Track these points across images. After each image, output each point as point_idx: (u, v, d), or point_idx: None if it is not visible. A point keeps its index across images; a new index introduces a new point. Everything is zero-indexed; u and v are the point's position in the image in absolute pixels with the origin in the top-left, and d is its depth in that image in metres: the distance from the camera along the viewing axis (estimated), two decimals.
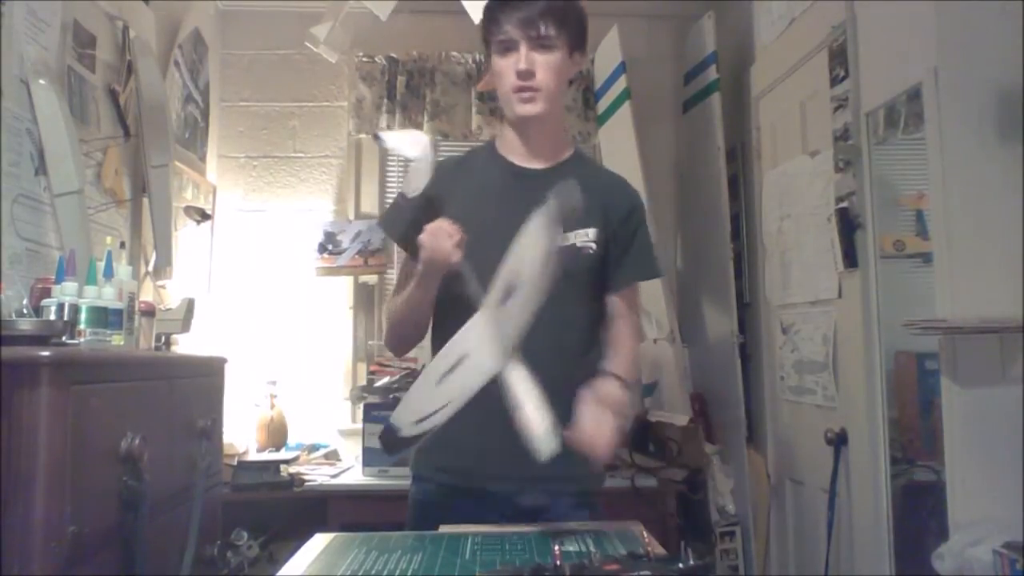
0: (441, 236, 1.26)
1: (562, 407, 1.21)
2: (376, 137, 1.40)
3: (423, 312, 1.41)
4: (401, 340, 1.49)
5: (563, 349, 1.38)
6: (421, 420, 1.12)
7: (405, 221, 1.40)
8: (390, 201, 3.26)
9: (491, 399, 1.25)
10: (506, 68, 1.37)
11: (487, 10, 1.41)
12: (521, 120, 1.41)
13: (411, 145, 1.34)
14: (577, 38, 1.41)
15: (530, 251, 1.12)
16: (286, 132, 3.27)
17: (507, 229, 1.24)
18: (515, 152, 1.45)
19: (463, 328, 1.17)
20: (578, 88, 3.23)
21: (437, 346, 1.42)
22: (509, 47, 1.36)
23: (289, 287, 3.12)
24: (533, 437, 1.10)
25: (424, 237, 1.27)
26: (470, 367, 1.13)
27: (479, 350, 1.13)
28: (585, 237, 1.39)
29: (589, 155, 1.55)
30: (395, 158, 3.30)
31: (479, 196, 1.41)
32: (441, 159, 1.52)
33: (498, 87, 1.42)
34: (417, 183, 1.33)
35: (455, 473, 1.41)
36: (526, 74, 1.35)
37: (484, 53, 1.47)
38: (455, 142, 3.21)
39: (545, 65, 1.36)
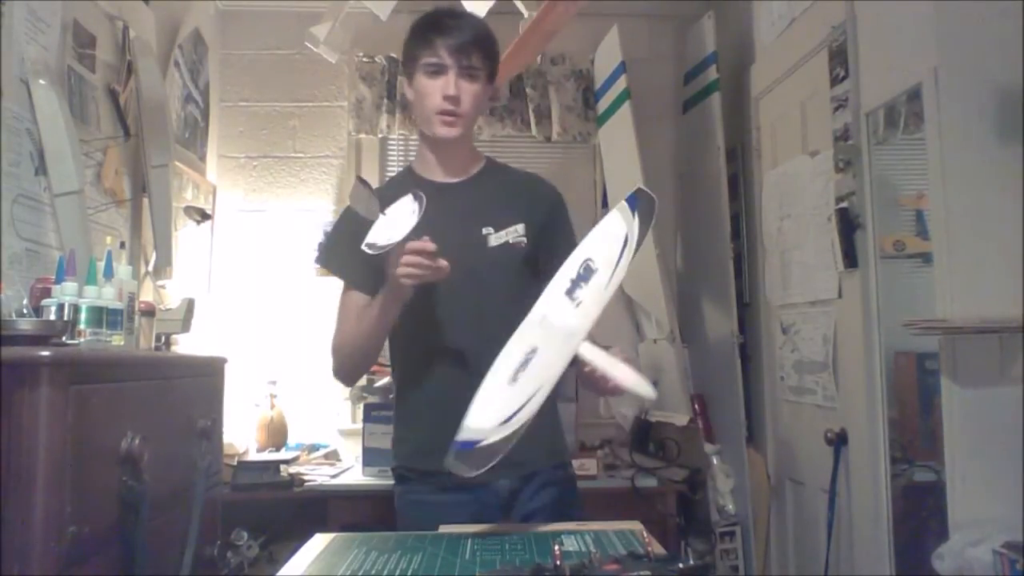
0: (421, 256, 1.28)
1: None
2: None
3: (383, 337, 1.47)
4: (357, 369, 1.57)
5: (510, 334, 1.43)
6: (507, 420, 1.08)
7: (347, 257, 1.46)
8: None
9: (458, 398, 1.33)
10: (432, 90, 1.44)
11: (418, 29, 1.47)
12: (440, 141, 1.49)
13: (401, 226, 1.32)
14: (494, 69, 1.51)
15: (608, 237, 1.18)
16: (286, 132, 3.26)
17: (448, 238, 1.37)
18: (433, 171, 1.54)
19: (520, 328, 1.18)
20: (578, 88, 3.23)
21: (408, 359, 1.51)
22: (438, 71, 1.44)
23: (289, 287, 3.12)
24: (635, 389, 1.14)
25: (404, 267, 1.29)
26: (546, 357, 1.13)
27: (553, 338, 1.14)
28: (515, 233, 1.49)
29: (501, 162, 1.65)
30: (395, 158, 3.31)
31: None
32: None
33: (419, 106, 1.49)
34: (395, 230, 1.32)
35: (437, 467, 1.43)
36: (454, 99, 1.43)
37: (404, 74, 1.53)
38: None
39: (470, 92, 1.45)
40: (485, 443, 1.07)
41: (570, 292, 1.16)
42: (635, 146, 2.76)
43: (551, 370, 1.12)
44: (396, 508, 1.54)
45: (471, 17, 1.52)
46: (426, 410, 1.49)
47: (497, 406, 1.10)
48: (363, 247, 1.25)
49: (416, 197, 1.29)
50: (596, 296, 1.15)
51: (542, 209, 1.52)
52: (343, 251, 1.48)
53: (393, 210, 1.30)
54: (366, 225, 1.37)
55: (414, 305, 1.41)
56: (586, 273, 1.16)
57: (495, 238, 1.48)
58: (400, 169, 1.56)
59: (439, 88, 1.43)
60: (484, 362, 1.38)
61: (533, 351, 1.14)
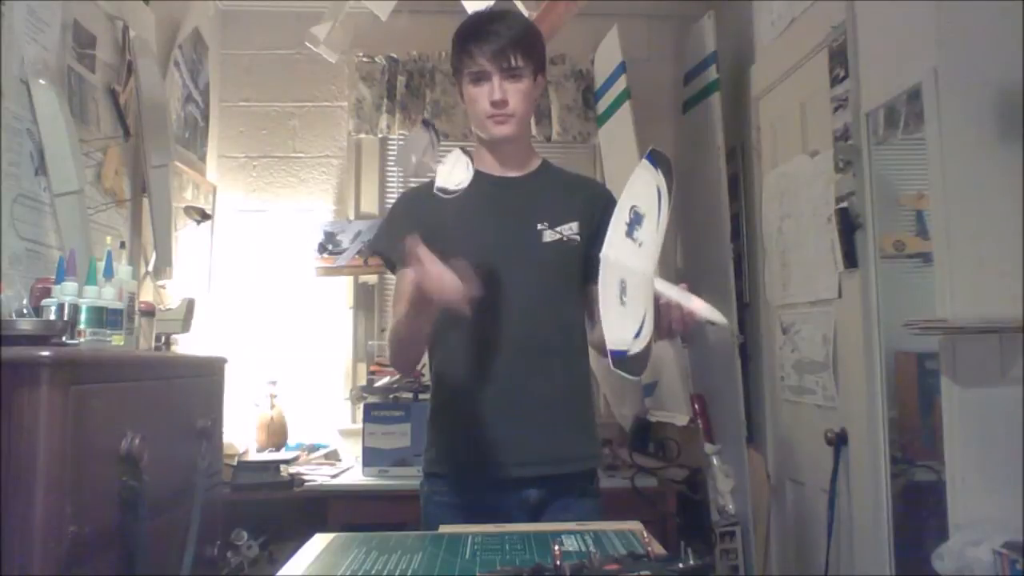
0: (446, 286, 1.23)
1: (554, 387, 1.43)
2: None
3: (423, 334, 1.46)
4: (410, 361, 1.54)
5: (557, 331, 1.49)
6: (637, 334, 1.11)
7: (399, 246, 1.43)
8: (390, 201, 3.26)
9: (500, 394, 1.43)
10: (479, 96, 1.46)
11: (458, 41, 1.49)
12: (495, 141, 1.50)
13: (457, 171, 1.35)
14: (540, 63, 1.52)
15: (645, 187, 1.22)
16: (286, 132, 3.27)
17: (503, 232, 1.47)
18: (491, 166, 1.55)
19: (601, 271, 1.20)
20: (578, 88, 3.23)
21: (447, 352, 1.51)
22: (481, 77, 1.45)
23: (289, 287, 3.12)
24: (709, 316, 1.19)
25: (428, 288, 1.24)
26: (636, 286, 1.16)
27: (633, 273, 1.18)
28: (571, 230, 1.50)
29: (556, 165, 1.68)
30: (395, 158, 3.30)
31: (468, 208, 1.47)
32: (419, 185, 1.62)
33: (471, 112, 1.51)
34: (459, 176, 1.36)
35: (473, 467, 1.46)
36: (500, 103, 1.44)
37: (454, 76, 1.54)
38: (455, 142, 3.20)
39: (516, 92, 1.46)
40: (632, 352, 1.10)
41: (630, 234, 1.20)
42: (635, 146, 2.76)
43: (645, 294, 1.15)
44: (422, 507, 1.52)
45: (509, 17, 1.51)
46: (463, 408, 1.48)
47: (624, 323, 1.13)
48: (435, 190, 1.28)
49: (464, 151, 1.30)
50: (651, 237, 1.18)
51: (597, 210, 1.52)
52: (394, 244, 1.45)
53: (449, 160, 1.33)
54: (418, 207, 1.45)
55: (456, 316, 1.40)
56: (637, 217, 1.20)
57: (549, 234, 1.48)
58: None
59: (485, 94, 1.44)
60: (528, 360, 1.43)
61: (623, 281, 1.17)
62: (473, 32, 1.46)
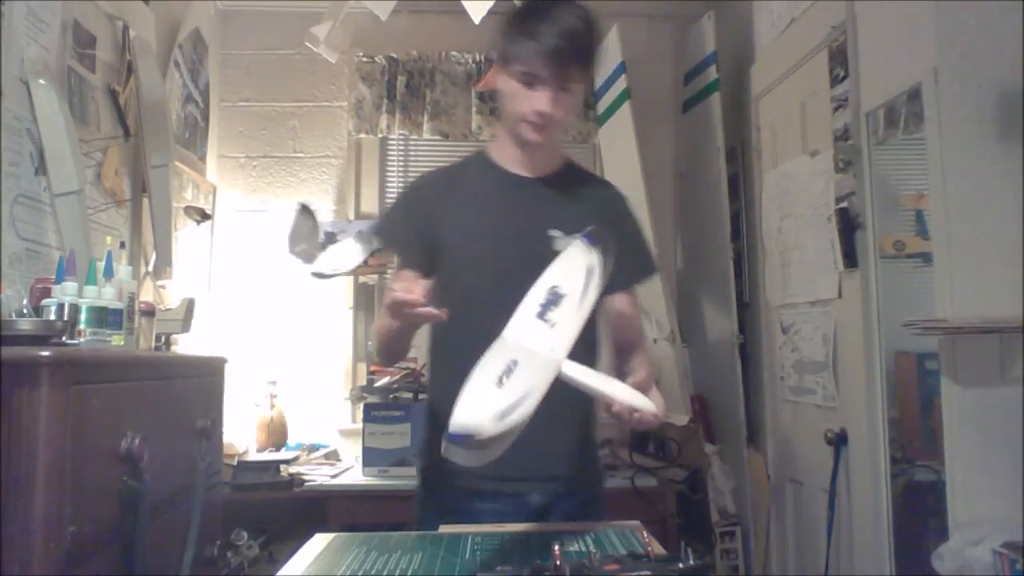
0: (407, 304, 1.20)
1: (567, 402, 1.27)
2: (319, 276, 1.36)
3: (404, 344, 1.46)
4: (392, 357, 1.54)
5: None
6: (505, 415, 1.02)
7: (403, 237, 1.48)
8: (390, 201, 3.26)
9: None
10: (525, 98, 1.36)
11: (516, 31, 1.37)
12: (524, 144, 1.44)
13: (347, 258, 1.32)
14: (591, 73, 1.45)
15: (572, 268, 1.18)
16: (286, 132, 3.27)
17: (513, 235, 1.41)
18: (511, 162, 1.48)
19: (494, 348, 1.14)
20: None
21: (444, 358, 1.48)
22: (533, 81, 1.35)
23: (289, 287, 3.12)
24: (631, 403, 1.10)
25: (391, 308, 1.23)
26: (529, 370, 1.09)
27: (532, 355, 1.11)
28: None
29: (578, 163, 1.61)
30: (395, 158, 3.30)
31: (479, 205, 1.44)
32: (432, 170, 1.57)
33: (508, 107, 1.41)
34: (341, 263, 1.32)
35: (471, 476, 1.41)
36: (545, 115, 1.36)
37: (496, 62, 1.44)
38: (455, 142, 3.21)
39: (563, 104, 1.37)
40: (482, 436, 1.00)
41: (541, 315, 1.14)
42: (635, 146, 2.76)
43: (540, 378, 1.08)
44: (416, 511, 1.47)
45: (573, 21, 1.36)
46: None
47: (490, 402, 1.04)
48: (311, 274, 1.24)
49: (359, 239, 1.26)
50: (570, 317, 1.13)
51: (611, 220, 1.46)
52: (400, 230, 1.48)
53: (339, 247, 1.29)
54: (428, 199, 1.40)
55: (459, 303, 1.33)
56: (555, 298, 1.15)
57: (560, 242, 1.41)
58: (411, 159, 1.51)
59: (532, 99, 1.35)
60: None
61: (514, 363, 1.09)
62: (542, 33, 1.33)
